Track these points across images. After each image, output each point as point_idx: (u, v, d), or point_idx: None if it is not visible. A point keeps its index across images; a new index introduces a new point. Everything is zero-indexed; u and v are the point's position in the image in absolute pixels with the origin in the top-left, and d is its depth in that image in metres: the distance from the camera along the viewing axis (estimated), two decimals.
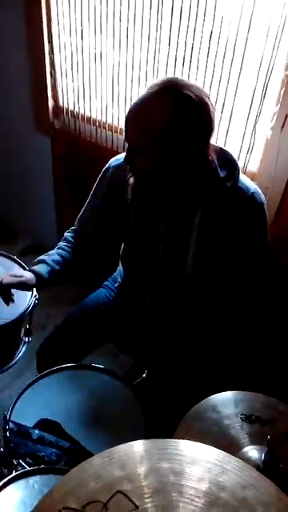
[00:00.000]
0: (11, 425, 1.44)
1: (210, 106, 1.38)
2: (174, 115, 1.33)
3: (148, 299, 1.74)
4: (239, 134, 1.94)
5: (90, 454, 1.17)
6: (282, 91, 1.76)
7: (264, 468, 1.08)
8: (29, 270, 1.72)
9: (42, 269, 1.71)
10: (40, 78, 2.48)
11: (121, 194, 1.62)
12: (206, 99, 1.37)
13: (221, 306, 1.70)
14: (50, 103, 2.54)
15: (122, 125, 2.24)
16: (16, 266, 1.92)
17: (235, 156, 1.56)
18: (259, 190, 1.55)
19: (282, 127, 1.80)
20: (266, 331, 2.08)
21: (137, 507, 0.81)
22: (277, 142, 1.84)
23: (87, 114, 2.41)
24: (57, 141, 2.67)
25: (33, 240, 3.19)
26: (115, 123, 2.31)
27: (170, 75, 1.99)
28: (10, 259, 1.94)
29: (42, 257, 1.75)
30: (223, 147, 1.57)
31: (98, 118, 2.37)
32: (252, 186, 1.54)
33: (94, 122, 2.39)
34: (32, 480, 1.28)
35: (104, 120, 2.35)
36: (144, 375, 1.98)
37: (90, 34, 2.19)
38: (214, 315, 1.73)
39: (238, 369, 1.91)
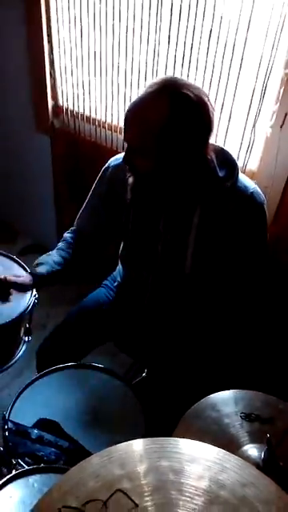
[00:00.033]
0: (10, 424, 1.44)
1: (209, 106, 1.37)
2: (173, 115, 1.32)
3: (147, 298, 1.74)
4: (239, 133, 1.94)
5: (89, 454, 1.17)
6: (282, 90, 1.76)
7: (264, 466, 1.08)
8: (29, 273, 1.73)
9: (41, 270, 1.72)
10: (40, 78, 2.48)
11: (120, 193, 1.62)
12: (205, 99, 1.37)
13: (220, 304, 1.70)
14: (50, 103, 2.54)
15: (122, 124, 2.25)
16: (15, 265, 1.92)
17: (235, 155, 1.56)
18: (259, 190, 1.55)
19: (282, 125, 1.80)
20: (265, 330, 2.08)
21: (136, 505, 0.81)
22: (276, 140, 1.84)
23: (87, 113, 2.41)
24: (56, 140, 2.67)
25: (32, 240, 3.19)
26: (115, 122, 2.32)
27: (169, 74, 1.99)
28: (10, 259, 1.94)
29: (42, 258, 1.76)
30: (222, 147, 1.56)
31: (98, 117, 2.38)
32: (251, 185, 1.53)
33: (94, 121, 2.39)
34: (31, 479, 1.28)
35: (104, 119, 2.35)
36: (144, 374, 1.98)
37: (90, 33, 2.19)
38: (214, 314, 1.73)
39: (237, 367, 1.91)
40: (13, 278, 1.69)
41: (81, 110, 2.43)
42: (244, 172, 1.97)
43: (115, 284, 1.94)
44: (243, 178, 1.53)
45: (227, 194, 1.49)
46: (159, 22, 1.94)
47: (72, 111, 2.48)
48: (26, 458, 1.38)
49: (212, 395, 1.28)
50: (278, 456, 1.09)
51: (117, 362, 2.22)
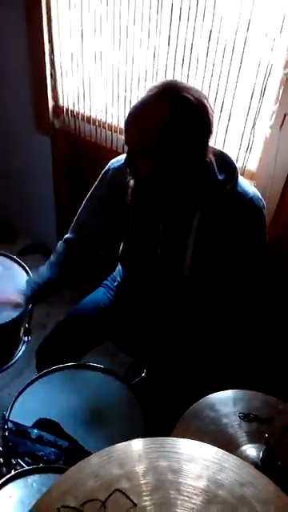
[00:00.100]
0: (10, 424, 1.44)
1: (209, 109, 1.38)
2: (173, 118, 1.33)
3: (146, 299, 1.75)
4: (238, 133, 1.94)
5: (88, 453, 1.17)
6: (281, 90, 1.76)
7: (262, 466, 1.08)
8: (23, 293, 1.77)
9: (28, 291, 1.77)
10: (40, 78, 2.48)
11: (120, 195, 1.62)
12: (205, 101, 1.37)
13: (219, 306, 1.70)
14: (50, 103, 2.54)
15: (122, 125, 2.25)
16: (16, 265, 1.93)
17: (234, 155, 1.56)
18: (258, 194, 1.55)
19: (281, 126, 1.80)
20: (264, 330, 2.08)
21: (135, 505, 0.81)
22: (276, 140, 1.84)
23: (87, 113, 2.41)
24: (57, 140, 2.67)
25: (33, 240, 3.19)
26: (115, 123, 2.31)
27: (170, 77, 2.00)
28: (10, 259, 1.95)
29: (33, 277, 1.80)
30: (222, 150, 1.56)
31: (98, 117, 2.38)
32: (250, 189, 1.54)
33: (94, 121, 2.39)
34: (30, 479, 1.28)
35: (104, 120, 2.35)
36: (143, 374, 1.98)
37: (90, 33, 2.19)
38: (212, 315, 1.73)
39: (236, 367, 1.91)
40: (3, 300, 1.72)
41: (81, 111, 2.43)
42: (243, 172, 1.97)
43: (115, 284, 1.94)
44: (243, 182, 1.53)
45: (227, 197, 1.50)
46: (159, 23, 1.94)
47: (72, 111, 2.48)
48: (26, 458, 1.39)
49: (211, 395, 1.28)
50: (277, 456, 1.09)
51: (116, 362, 2.22)
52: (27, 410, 1.53)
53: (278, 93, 1.77)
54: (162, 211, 1.57)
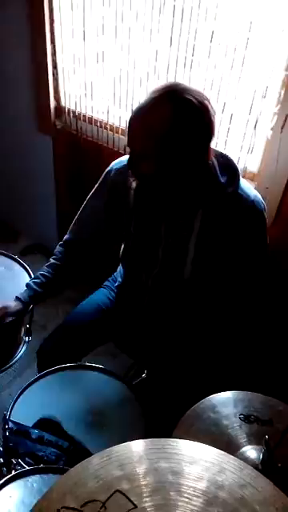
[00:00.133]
0: (10, 424, 1.44)
1: (211, 111, 1.38)
2: (176, 120, 1.33)
3: (146, 300, 1.75)
4: (240, 134, 1.94)
5: (89, 454, 1.18)
6: (283, 91, 1.75)
7: (262, 468, 1.08)
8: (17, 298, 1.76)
9: (25, 295, 1.76)
10: (42, 79, 2.49)
11: (122, 196, 1.62)
12: (207, 104, 1.37)
13: (219, 308, 1.71)
14: (52, 103, 2.54)
15: (124, 125, 2.26)
16: (17, 265, 1.93)
17: (235, 156, 1.57)
18: (259, 197, 1.56)
19: (283, 127, 1.80)
20: (265, 331, 2.08)
21: (135, 506, 0.82)
22: (277, 142, 1.84)
23: (89, 114, 2.41)
24: (58, 141, 2.67)
25: (34, 240, 3.19)
26: (116, 124, 2.32)
27: (171, 78, 2.00)
28: (11, 258, 1.95)
29: (31, 281, 1.80)
30: (224, 152, 1.56)
31: (100, 118, 2.38)
32: (252, 192, 1.54)
33: (96, 122, 2.39)
34: (31, 479, 1.29)
35: (105, 120, 2.35)
36: (143, 375, 1.98)
37: (92, 34, 2.19)
38: (213, 317, 1.73)
39: (237, 369, 1.91)
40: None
41: (83, 111, 2.43)
42: (245, 173, 1.97)
43: (116, 285, 1.94)
44: (244, 185, 1.53)
45: (228, 200, 1.50)
46: (161, 24, 1.94)
47: (74, 112, 2.48)
48: (27, 458, 1.39)
49: (211, 396, 1.28)
50: (277, 457, 1.09)
51: (117, 363, 2.22)
52: (28, 410, 1.54)
53: (280, 94, 1.77)
54: (164, 213, 1.57)
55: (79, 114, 2.45)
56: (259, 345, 2.09)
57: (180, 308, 1.74)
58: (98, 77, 2.28)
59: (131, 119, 1.41)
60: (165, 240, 1.60)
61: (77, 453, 1.40)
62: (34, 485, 1.27)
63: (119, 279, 1.92)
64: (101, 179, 1.73)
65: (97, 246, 1.85)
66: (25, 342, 1.84)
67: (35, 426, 1.47)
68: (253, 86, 1.83)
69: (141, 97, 2.11)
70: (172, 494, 0.84)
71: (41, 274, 1.79)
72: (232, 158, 1.55)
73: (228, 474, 0.88)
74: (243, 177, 1.57)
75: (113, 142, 2.36)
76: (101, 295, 1.95)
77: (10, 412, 1.51)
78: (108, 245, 1.84)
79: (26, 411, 1.53)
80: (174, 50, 1.94)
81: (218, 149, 1.55)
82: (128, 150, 1.48)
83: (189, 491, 0.84)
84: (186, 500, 0.83)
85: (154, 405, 1.63)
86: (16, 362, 1.82)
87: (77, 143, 2.55)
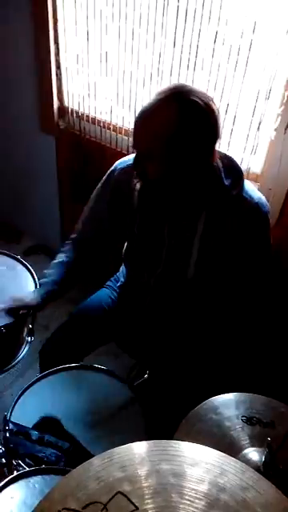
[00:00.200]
0: (11, 425, 1.44)
1: (216, 112, 1.38)
2: (182, 122, 1.33)
3: (148, 300, 1.75)
4: (243, 136, 1.94)
5: (90, 455, 1.17)
6: (286, 93, 1.75)
7: (264, 470, 1.08)
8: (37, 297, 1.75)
9: (41, 291, 1.75)
10: (45, 79, 2.49)
11: (126, 196, 1.62)
12: (213, 105, 1.37)
13: (222, 308, 1.70)
14: (55, 103, 2.54)
15: (127, 126, 2.26)
16: (20, 265, 1.93)
17: (239, 157, 1.56)
18: (263, 199, 1.55)
19: (286, 129, 1.80)
20: (267, 333, 2.08)
21: (137, 508, 0.81)
22: (280, 143, 1.84)
23: (92, 114, 2.41)
24: (61, 141, 2.67)
25: (37, 240, 3.19)
26: (120, 124, 2.32)
27: (175, 78, 2.00)
28: (14, 259, 1.95)
29: (42, 280, 1.78)
30: (229, 154, 1.56)
31: (103, 118, 2.38)
32: (256, 195, 1.54)
33: (99, 122, 2.39)
34: (33, 480, 1.28)
35: (109, 121, 2.35)
36: (146, 376, 1.98)
37: (96, 34, 2.19)
38: (215, 317, 1.73)
39: (239, 370, 1.90)
40: (17, 304, 1.71)
41: (86, 111, 2.43)
42: (248, 175, 1.97)
43: (118, 284, 1.94)
44: (248, 187, 1.53)
45: (232, 202, 1.50)
46: (165, 24, 1.94)
47: (77, 112, 2.48)
48: (27, 459, 1.39)
49: (213, 398, 1.28)
50: (279, 460, 1.09)
51: (120, 363, 2.21)
52: (29, 410, 1.53)
53: (283, 95, 1.77)
54: (168, 215, 1.57)
55: (82, 115, 2.45)
56: (261, 346, 2.09)
57: (182, 308, 1.74)
58: (102, 77, 2.28)
59: (137, 121, 1.40)
60: (168, 241, 1.59)
61: (77, 454, 1.40)
62: (36, 486, 1.27)
63: (121, 279, 1.92)
64: (104, 178, 1.73)
65: (102, 244, 1.85)
66: (27, 342, 1.84)
67: (37, 424, 1.47)
68: (256, 87, 1.82)
69: (144, 97, 2.12)
70: (173, 496, 0.83)
71: (53, 272, 1.78)
72: (235, 159, 1.55)
73: (230, 476, 0.87)
74: (246, 178, 1.57)
75: (116, 143, 2.36)
76: (103, 295, 1.95)
77: (11, 413, 1.51)
78: (112, 244, 1.84)
79: (27, 411, 1.53)
80: (177, 51, 1.94)
81: (221, 150, 1.55)
82: (132, 150, 1.48)
83: (190, 493, 0.84)
84: (188, 502, 0.83)
85: (155, 405, 1.62)
86: (18, 362, 1.81)
87: (80, 143, 2.55)
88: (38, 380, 1.63)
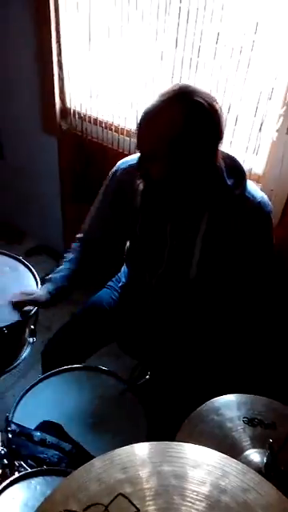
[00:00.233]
0: (13, 426, 1.44)
1: (220, 113, 1.38)
2: (186, 122, 1.33)
3: (150, 300, 1.75)
4: (245, 136, 1.94)
5: (91, 457, 1.17)
6: None
7: (266, 471, 1.08)
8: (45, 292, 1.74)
9: (51, 287, 1.73)
10: (48, 79, 2.49)
11: (129, 196, 1.62)
12: (216, 106, 1.37)
13: (223, 309, 1.70)
14: (58, 104, 2.54)
15: (129, 127, 2.26)
16: (21, 266, 1.93)
17: (241, 157, 1.56)
18: (266, 199, 1.55)
19: None
20: (270, 333, 2.08)
21: (138, 510, 0.81)
22: (282, 144, 1.84)
23: (94, 115, 2.41)
24: (63, 142, 2.67)
25: (39, 241, 3.20)
26: (121, 125, 2.32)
27: (177, 78, 2.00)
28: (16, 259, 1.95)
29: (52, 276, 1.77)
30: (231, 154, 1.56)
31: (105, 119, 2.38)
32: (259, 194, 1.54)
33: (101, 123, 2.39)
34: (34, 481, 1.28)
35: (111, 121, 2.35)
36: (147, 377, 1.97)
37: (98, 35, 2.19)
38: (217, 318, 1.73)
39: (241, 371, 1.90)
40: (24, 298, 1.71)
41: (88, 112, 2.43)
42: (250, 175, 1.97)
43: (120, 285, 1.94)
44: (251, 187, 1.53)
45: (235, 202, 1.50)
46: (167, 25, 1.94)
47: (79, 113, 2.48)
48: (29, 461, 1.39)
49: (215, 399, 1.28)
50: (280, 461, 1.09)
51: (121, 364, 2.22)
52: (31, 411, 1.53)
53: (285, 96, 1.77)
54: (170, 215, 1.57)
55: (84, 115, 2.46)
56: (263, 347, 2.08)
57: (184, 308, 1.73)
58: (104, 78, 2.28)
59: (140, 122, 1.40)
60: (170, 241, 1.59)
61: (79, 455, 1.40)
62: (38, 487, 1.27)
63: (123, 279, 1.92)
64: (107, 179, 1.73)
65: (109, 244, 1.84)
66: (29, 343, 1.84)
67: (38, 427, 1.47)
68: (258, 87, 1.82)
69: (146, 98, 2.11)
70: (175, 497, 0.83)
71: (62, 268, 1.78)
72: (238, 159, 1.55)
73: (231, 478, 0.87)
74: (248, 179, 1.57)
75: (118, 144, 2.36)
76: (104, 295, 1.95)
77: (13, 414, 1.51)
78: (116, 245, 1.84)
79: (28, 413, 1.53)
80: (179, 52, 1.94)
81: (224, 150, 1.55)
82: (136, 151, 1.48)
83: (192, 495, 0.84)
84: (189, 504, 0.82)
85: (157, 407, 1.62)
86: (20, 363, 1.82)
87: (82, 144, 2.55)
88: (40, 381, 1.63)
